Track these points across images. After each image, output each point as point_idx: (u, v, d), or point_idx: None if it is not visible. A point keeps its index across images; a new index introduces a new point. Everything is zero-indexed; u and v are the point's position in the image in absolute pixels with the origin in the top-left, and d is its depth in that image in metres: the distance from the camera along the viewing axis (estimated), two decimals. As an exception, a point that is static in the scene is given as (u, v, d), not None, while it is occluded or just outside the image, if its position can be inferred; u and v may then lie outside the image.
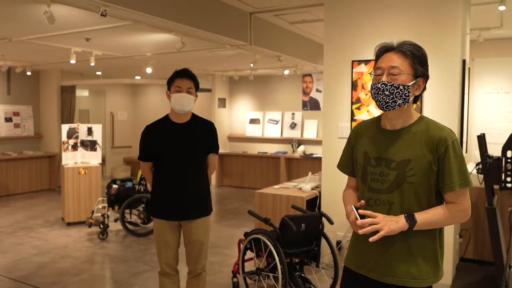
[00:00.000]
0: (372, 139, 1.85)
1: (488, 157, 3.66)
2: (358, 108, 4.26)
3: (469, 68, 4.52)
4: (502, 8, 4.39)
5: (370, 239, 1.65)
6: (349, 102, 4.33)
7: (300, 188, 4.58)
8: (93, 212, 5.91)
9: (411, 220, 1.67)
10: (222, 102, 10.16)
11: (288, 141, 9.45)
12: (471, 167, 4.57)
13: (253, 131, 9.94)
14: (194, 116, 3.05)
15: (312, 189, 4.55)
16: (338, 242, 4.32)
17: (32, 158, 9.01)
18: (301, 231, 3.48)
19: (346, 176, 2.05)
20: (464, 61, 4.04)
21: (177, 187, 2.94)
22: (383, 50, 1.79)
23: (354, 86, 4.28)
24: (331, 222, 3.66)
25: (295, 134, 9.41)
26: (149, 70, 7.48)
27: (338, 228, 4.17)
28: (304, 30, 6.51)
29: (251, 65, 6.91)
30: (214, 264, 4.71)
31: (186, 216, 2.96)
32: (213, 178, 9.69)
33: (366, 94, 4.20)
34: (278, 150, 9.56)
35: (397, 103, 1.72)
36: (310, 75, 9.22)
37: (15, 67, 8.19)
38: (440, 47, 3.90)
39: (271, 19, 5.85)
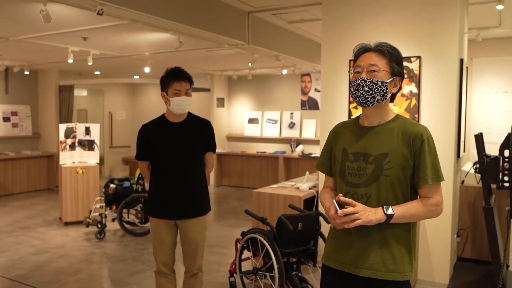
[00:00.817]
0: (350, 135, 1.92)
1: (485, 156, 3.66)
2: (355, 108, 4.25)
3: (467, 68, 4.51)
4: (500, 7, 4.38)
5: (346, 226, 1.72)
6: (346, 101, 4.32)
7: (298, 188, 4.58)
8: (90, 211, 5.90)
9: (388, 212, 1.74)
10: (221, 102, 10.15)
11: (287, 140, 9.44)
12: (468, 167, 4.57)
13: (252, 130, 9.93)
14: (190, 115, 3.04)
15: (310, 188, 4.55)
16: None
17: (30, 157, 9.00)
18: (298, 230, 3.47)
19: None
20: (461, 60, 4.04)
21: (174, 186, 2.93)
22: (362, 50, 1.87)
23: (351, 85, 4.27)
24: (328, 222, 3.65)
25: (294, 133, 9.40)
26: (147, 69, 7.48)
27: (335, 227, 4.16)
28: (303, 29, 6.51)
29: (249, 64, 6.90)
30: (211, 264, 4.71)
31: (182, 215, 2.95)
32: (212, 178, 9.69)
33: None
34: (277, 149, 9.55)
35: (376, 99, 1.80)
36: (308, 74, 9.22)
37: (13, 67, 8.17)
38: (437, 46, 3.90)
39: (269, 18, 5.84)
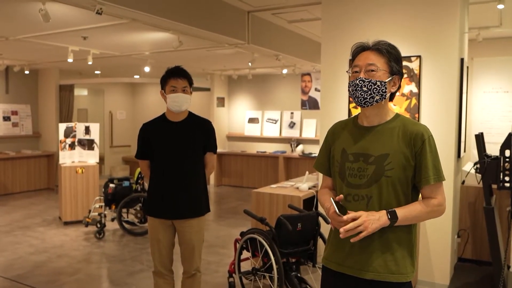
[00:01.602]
0: (349, 136, 1.89)
1: (486, 156, 3.64)
2: (355, 107, 4.23)
3: (467, 67, 4.49)
4: (500, 6, 4.36)
5: (352, 240, 1.68)
6: (346, 101, 4.31)
7: (297, 188, 4.56)
8: (90, 211, 5.89)
9: (392, 216, 1.71)
10: (221, 101, 10.13)
11: (287, 140, 9.43)
12: (469, 167, 4.55)
13: (252, 130, 9.92)
14: (190, 114, 3.03)
15: (309, 188, 4.53)
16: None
17: (30, 157, 8.99)
18: (297, 230, 3.46)
19: None
20: (462, 60, 4.02)
21: (172, 186, 2.92)
22: (360, 49, 1.85)
23: (351, 85, 4.25)
24: (327, 222, 3.64)
25: (294, 133, 9.38)
26: (147, 69, 7.47)
27: (335, 227, 4.14)
28: (302, 29, 6.49)
29: (249, 64, 6.89)
30: (211, 264, 4.69)
31: (180, 215, 2.93)
32: (212, 177, 9.68)
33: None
34: (277, 149, 9.54)
35: (375, 99, 1.77)
36: (309, 74, 9.20)
37: (13, 66, 8.17)
38: (437, 46, 3.88)
39: (269, 17, 5.82)
